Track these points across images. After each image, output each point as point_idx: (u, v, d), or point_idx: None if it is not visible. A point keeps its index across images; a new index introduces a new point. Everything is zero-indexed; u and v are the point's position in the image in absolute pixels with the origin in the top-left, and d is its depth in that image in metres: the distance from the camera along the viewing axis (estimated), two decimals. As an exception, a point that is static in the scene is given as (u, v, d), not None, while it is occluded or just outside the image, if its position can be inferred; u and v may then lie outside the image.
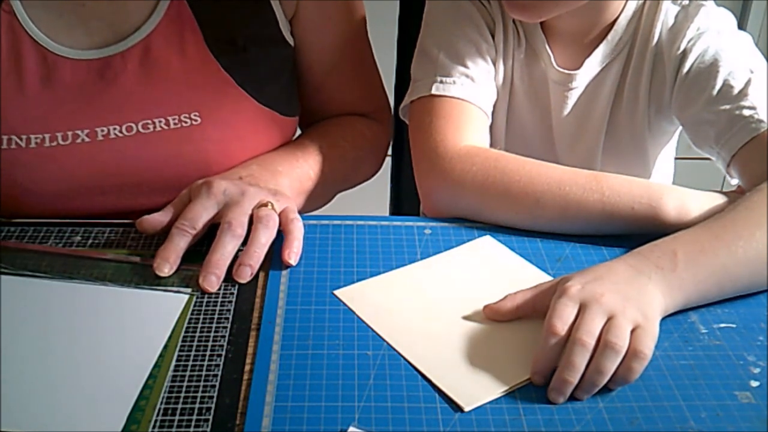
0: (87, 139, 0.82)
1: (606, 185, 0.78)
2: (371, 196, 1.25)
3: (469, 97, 0.87)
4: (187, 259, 0.73)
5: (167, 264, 0.72)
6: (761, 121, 0.79)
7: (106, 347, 0.64)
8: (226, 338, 0.66)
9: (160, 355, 0.63)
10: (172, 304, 0.69)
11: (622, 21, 0.89)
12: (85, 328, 0.66)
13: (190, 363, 0.63)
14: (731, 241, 0.69)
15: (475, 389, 0.61)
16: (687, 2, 0.88)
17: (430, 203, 0.84)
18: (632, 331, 0.62)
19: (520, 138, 0.97)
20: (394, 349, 0.65)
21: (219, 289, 0.71)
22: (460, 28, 0.90)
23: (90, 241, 0.78)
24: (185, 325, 0.67)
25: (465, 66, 0.88)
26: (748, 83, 0.82)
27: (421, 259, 0.76)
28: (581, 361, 0.61)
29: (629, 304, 0.64)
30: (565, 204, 0.78)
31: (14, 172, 0.82)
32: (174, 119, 0.83)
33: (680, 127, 0.94)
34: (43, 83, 0.81)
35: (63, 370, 0.62)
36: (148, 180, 0.85)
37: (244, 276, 0.72)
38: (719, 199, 0.78)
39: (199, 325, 0.67)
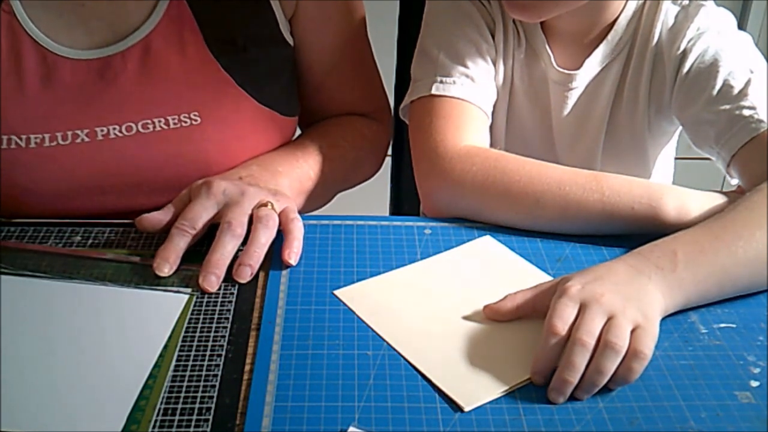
0: (87, 139, 0.82)
1: (606, 185, 0.78)
2: (371, 196, 1.25)
3: (469, 97, 0.87)
4: (187, 259, 0.73)
5: (167, 264, 0.72)
6: (761, 121, 0.79)
7: (106, 347, 0.64)
8: (226, 338, 0.66)
9: (160, 355, 0.63)
10: (172, 304, 0.69)
11: (622, 21, 0.89)
12: (85, 328, 0.66)
13: (190, 363, 0.63)
14: (731, 241, 0.69)
15: (475, 389, 0.61)
16: (687, 2, 0.88)
17: (430, 203, 0.84)
18: (632, 331, 0.62)
19: (520, 138, 0.97)
20: (394, 349, 0.65)
21: (219, 289, 0.71)
22: (460, 28, 0.90)
23: (90, 241, 0.78)
24: (185, 325, 0.67)
25: (465, 66, 0.88)
26: (748, 83, 0.82)
27: (421, 259, 0.76)
28: (581, 361, 0.61)
29: (629, 304, 0.64)
30: (565, 204, 0.78)
31: (14, 172, 0.82)
32: (174, 119, 0.83)
33: (680, 127, 0.94)
34: (42, 83, 0.81)
35: (63, 370, 0.62)
36: (147, 180, 0.85)
37: (244, 276, 0.72)
38: (719, 199, 0.78)
39: (199, 325, 0.67)
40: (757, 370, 0.64)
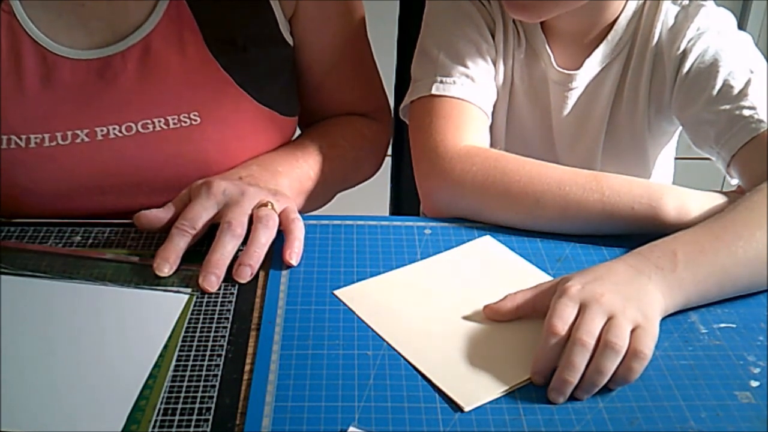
0: (87, 139, 0.82)
1: (606, 185, 0.78)
2: (371, 196, 1.25)
3: (469, 97, 0.87)
4: (187, 259, 0.73)
5: (167, 264, 0.72)
6: (761, 121, 0.79)
7: (106, 347, 0.64)
8: (226, 338, 0.66)
9: (160, 355, 0.63)
10: (172, 304, 0.69)
11: (622, 21, 0.89)
12: (85, 328, 0.66)
13: (190, 363, 0.63)
14: (731, 241, 0.69)
15: (475, 389, 0.61)
16: (687, 2, 0.88)
17: (430, 203, 0.84)
18: (632, 331, 0.62)
19: (520, 138, 0.97)
20: (394, 349, 0.65)
21: (219, 289, 0.71)
22: (460, 28, 0.90)
23: (90, 241, 0.78)
24: (185, 325, 0.67)
25: (465, 66, 0.88)
26: (748, 83, 0.82)
27: (421, 259, 0.76)
28: (581, 361, 0.61)
29: (629, 304, 0.64)
30: (565, 204, 0.78)
31: (14, 172, 0.82)
32: (173, 119, 0.83)
33: (680, 127, 0.94)
34: (42, 83, 0.81)
35: (63, 370, 0.62)
36: (147, 180, 0.85)
37: (244, 276, 0.72)
38: (719, 199, 0.78)
39: (199, 325, 0.67)
40: (757, 370, 0.64)
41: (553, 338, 0.62)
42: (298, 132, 0.99)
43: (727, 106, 0.82)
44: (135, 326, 0.67)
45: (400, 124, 1.00)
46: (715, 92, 0.83)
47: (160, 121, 0.83)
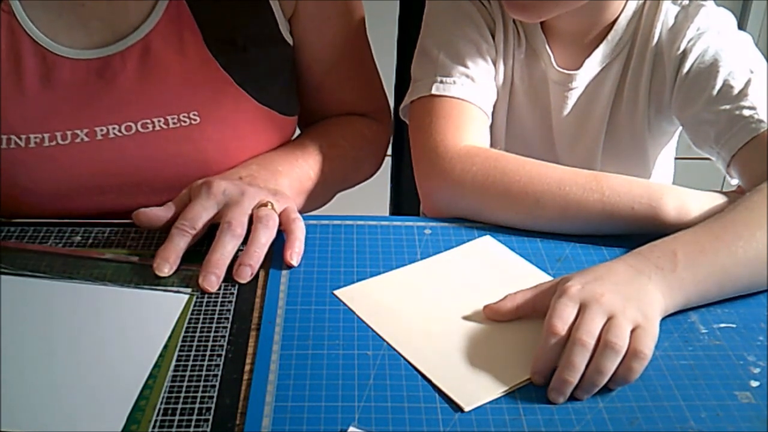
0: (86, 139, 0.82)
1: (606, 185, 0.78)
2: (371, 196, 1.25)
3: (469, 97, 0.87)
4: (187, 259, 0.73)
5: (167, 264, 0.72)
6: (761, 121, 0.79)
7: (106, 347, 0.64)
8: (226, 338, 0.66)
9: (160, 355, 0.63)
10: (172, 304, 0.69)
11: (622, 21, 0.89)
12: (85, 328, 0.66)
13: (190, 363, 0.63)
14: (731, 241, 0.69)
15: (475, 389, 0.61)
16: (687, 2, 0.88)
17: (430, 203, 0.84)
18: (632, 331, 0.62)
19: (520, 138, 0.97)
20: (394, 349, 0.65)
21: (219, 289, 0.71)
22: (460, 28, 0.90)
23: (90, 241, 0.78)
24: (185, 325, 0.67)
25: (465, 66, 0.88)
26: (748, 83, 0.82)
27: (421, 259, 0.76)
28: (581, 361, 0.61)
29: (629, 304, 0.64)
30: (565, 204, 0.78)
31: (14, 172, 0.82)
32: (173, 119, 0.83)
33: (680, 127, 0.94)
34: (42, 83, 0.81)
35: (63, 370, 0.62)
36: (147, 179, 0.85)
37: (244, 276, 0.72)
38: (719, 199, 0.78)
39: (199, 325, 0.67)
40: (757, 370, 0.64)
41: (552, 338, 0.62)
42: (297, 132, 0.99)
43: (727, 106, 0.82)
44: (135, 326, 0.67)
45: (400, 124, 1.00)
46: (715, 92, 0.83)
47: (159, 121, 0.83)
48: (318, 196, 0.91)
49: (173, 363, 0.63)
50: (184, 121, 0.84)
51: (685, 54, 0.86)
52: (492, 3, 0.91)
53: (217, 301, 0.70)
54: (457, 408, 0.60)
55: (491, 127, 0.91)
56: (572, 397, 0.61)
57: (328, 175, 0.91)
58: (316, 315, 0.69)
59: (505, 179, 0.79)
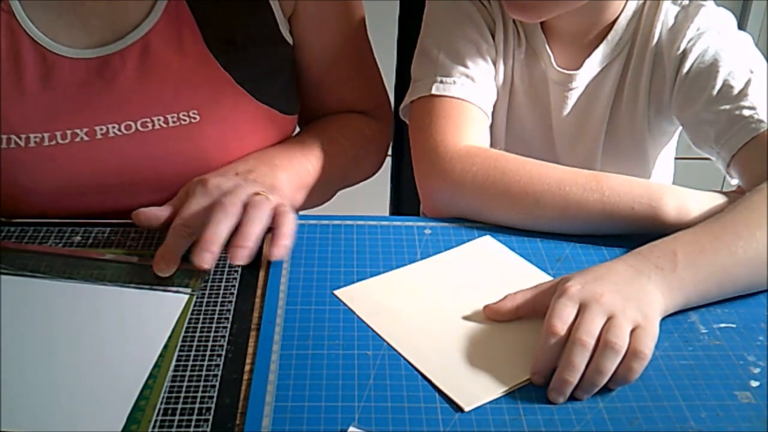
0: (86, 138, 0.82)
1: (606, 185, 0.78)
2: (371, 196, 1.25)
3: (469, 97, 0.87)
4: (186, 258, 0.73)
5: (166, 264, 0.72)
6: (761, 121, 0.79)
7: (106, 347, 0.64)
8: (226, 338, 0.66)
9: (160, 355, 0.63)
10: (172, 304, 0.69)
11: (622, 21, 0.89)
12: (85, 328, 0.66)
13: (190, 363, 0.63)
14: (731, 241, 0.69)
15: (475, 389, 0.61)
16: (687, 2, 0.88)
17: (430, 203, 0.84)
18: (632, 331, 0.62)
19: (520, 138, 0.97)
20: (394, 349, 0.65)
21: (219, 289, 0.71)
22: (460, 28, 0.90)
23: (90, 241, 0.78)
24: (185, 325, 0.67)
25: (465, 66, 0.88)
26: (748, 83, 0.82)
27: (421, 259, 0.76)
28: (581, 361, 0.61)
29: (629, 304, 0.64)
30: (565, 204, 0.78)
31: (14, 172, 0.82)
32: (173, 117, 0.83)
33: (680, 127, 0.94)
34: (42, 83, 0.81)
35: (63, 370, 0.62)
36: (147, 179, 0.85)
37: (239, 257, 0.70)
38: (719, 199, 0.78)
39: (199, 325, 0.67)
40: (757, 370, 0.64)
41: (552, 338, 0.62)
42: (298, 130, 0.99)
43: (727, 106, 0.82)
44: (135, 326, 0.67)
45: (400, 124, 1.00)
46: (715, 92, 0.83)
47: (159, 120, 0.83)
48: (318, 192, 0.91)
49: (173, 363, 0.63)
50: (184, 120, 0.84)
51: (685, 54, 0.86)
52: (492, 3, 0.91)
53: (217, 301, 0.70)
54: (457, 408, 0.60)
55: (491, 127, 0.91)
56: (572, 397, 0.61)
57: (327, 170, 0.91)
58: (316, 315, 0.69)
59: (505, 179, 0.79)
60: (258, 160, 0.85)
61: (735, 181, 0.83)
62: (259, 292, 0.71)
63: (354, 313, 0.69)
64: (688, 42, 0.86)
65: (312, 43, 0.92)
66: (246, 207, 0.73)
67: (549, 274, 0.75)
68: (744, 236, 0.70)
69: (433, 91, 0.87)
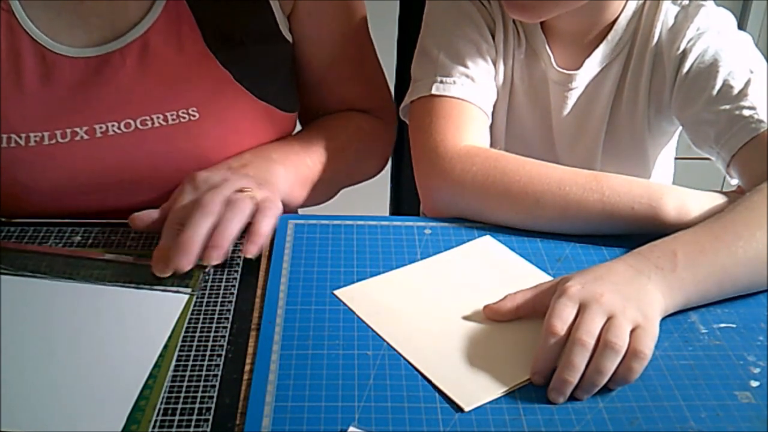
0: (86, 137, 0.82)
1: (606, 185, 0.78)
2: (371, 196, 1.25)
3: (469, 97, 0.87)
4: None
5: (164, 264, 0.72)
6: (761, 121, 0.79)
7: (106, 347, 0.64)
8: (226, 338, 0.66)
9: (160, 355, 0.63)
10: (172, 304, 0.69)
11: (622, 21, 0.89)
12: (85, 328, 0.66)
13: (190, 363, 0.63)
14: (731, 241, 0.69)
15: (475, 389, 0.61)
16: (687, 2, 0.88)
17: (430, 203, 0.84)
18: (632, 331, 0.62)
19: (520, 138, 0.97)
20: (394, 349, 0.65)
21: (219, 289, 0.71)
22: (460, 28, 0.90)
23: (90, 241, 0.78)
24: (185, 325, 0.67)
25: (465, 66, 0.88)
26: (748, 83, 0.82)
27: (421, 259, 0.76)
28: (581, 361, 0.61)
29: (629, 304, 0.64)
30: (565, 204, 0.78)
31: (14, 171, 0.82)
32: (172, 115, 0.83)
33: (680, 127, 0.94)
34: (42, 82, 0.81)
35: (63, 370, 0.62)
36: (147, 176, 0.85)
37: (211, 258, 0.70)
38: (719, 199, 0.78)
39: (199, 325, 0.67)
40: (757, 370, 0.64)
41: (552, 338, 0.62)
42: (298, 129, 0.99)
43: (727, 106, 0.82)
44: (135, 326, 0.67)
45: (401, 124, 1.00)
46: (715, 92, 0.83)
47: (158, 118, 0.83)
48: (320, 188, 0.91)
49: (173, 363, 0.63)
50: (183, 118, 0.84)
51: (684, 54, 0.86)
52: (492, 3, 0.91)
53: (217, 301, 0.70)
54: (457, 408, 0.60)
55: (491, 127, 0.91)
56: (572, 397, 0.61)
57: (327, 166, 0.91)
58: (316, 315, 0.69)
59: (505, 179, 0.79)
60: (254, 155, 0.85)
61: (735, 181, 0.83)
62: (259, 292, 0.71)
63: (354, 313, 0.69)
64: (688, 42, 0.86)
65: (311, 41, 0.92)
66: (226, 205, 0.73)
67: (549, 274, 0.75)
68: (744, 236, 0.70)
69: (433, 91, 0.87)
